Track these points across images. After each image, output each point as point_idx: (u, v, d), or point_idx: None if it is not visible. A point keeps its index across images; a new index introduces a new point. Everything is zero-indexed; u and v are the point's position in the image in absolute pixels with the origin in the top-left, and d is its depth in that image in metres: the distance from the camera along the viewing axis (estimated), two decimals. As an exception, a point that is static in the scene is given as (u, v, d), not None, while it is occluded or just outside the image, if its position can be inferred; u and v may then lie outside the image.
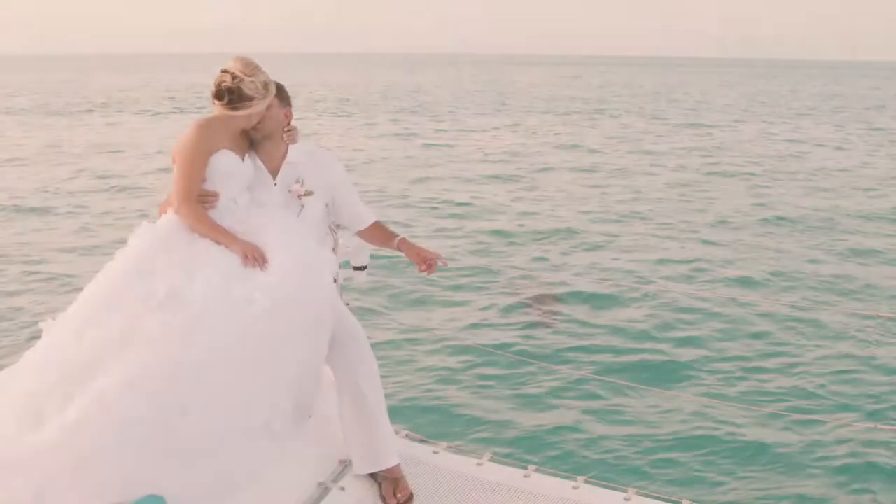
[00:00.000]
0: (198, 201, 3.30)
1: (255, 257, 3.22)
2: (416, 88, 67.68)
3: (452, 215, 15.82)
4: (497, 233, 14.14)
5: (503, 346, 8.66)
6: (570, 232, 14.32)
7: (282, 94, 3.57)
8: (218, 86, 3.36)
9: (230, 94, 3.34)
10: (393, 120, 37.02)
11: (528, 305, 9.26)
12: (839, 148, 28.59)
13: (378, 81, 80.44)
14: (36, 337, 3.08)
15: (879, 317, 9.56)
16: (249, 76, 3.34)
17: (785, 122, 38.50)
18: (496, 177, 20.78)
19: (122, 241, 3.30)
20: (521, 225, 14.84)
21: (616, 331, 9.18)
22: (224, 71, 3.36)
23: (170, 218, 3.31)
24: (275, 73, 3.54)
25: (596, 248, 13.27)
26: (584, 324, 9.39)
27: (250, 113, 3.40)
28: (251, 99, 3.36)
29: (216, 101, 3.39)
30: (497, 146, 27.41)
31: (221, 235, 3.26)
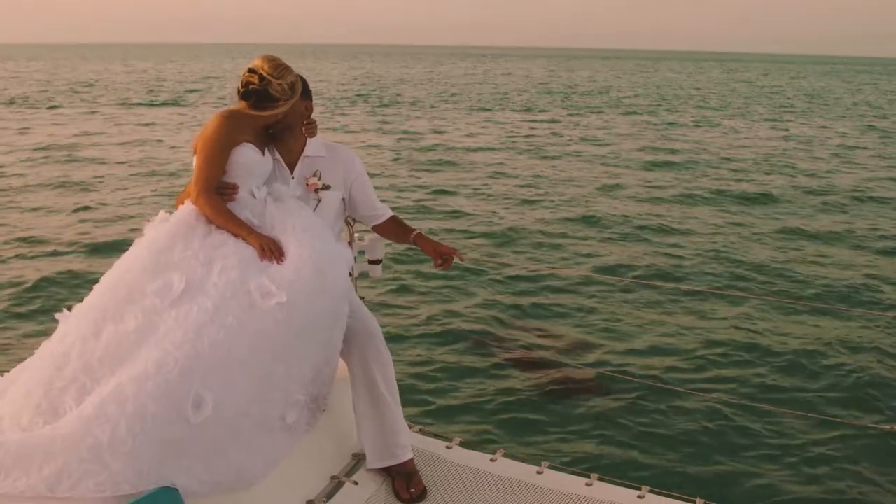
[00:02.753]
0: (217, 193, 3.31)
1: (272, 250, 3.22)
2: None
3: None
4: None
5: (518, 344, 8.66)
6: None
7: (304, 88, 3.56)
8: (245, 86, 3.35)
9: (257, 96, 3.35)
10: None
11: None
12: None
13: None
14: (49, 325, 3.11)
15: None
16: (277, 78, 3.34)
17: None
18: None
19: (139, 231, 3.32)
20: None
21: (627, 329, 9.16)
22: (251, 71, 3.35)
23: (187, 209, 3.31)
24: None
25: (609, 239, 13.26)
26: (595, 323, 9.37)
27: (276, 114, 3.40)
28: (277, 100, 3.36)
29: (242, 102, 3.39)
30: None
31: (239, 228, 3.26)
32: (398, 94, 49.19)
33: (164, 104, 40.12)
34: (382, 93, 50.87)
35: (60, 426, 2.69)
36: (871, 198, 18.00)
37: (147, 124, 30.75)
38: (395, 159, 22.32)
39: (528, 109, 40.42)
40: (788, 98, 54.71)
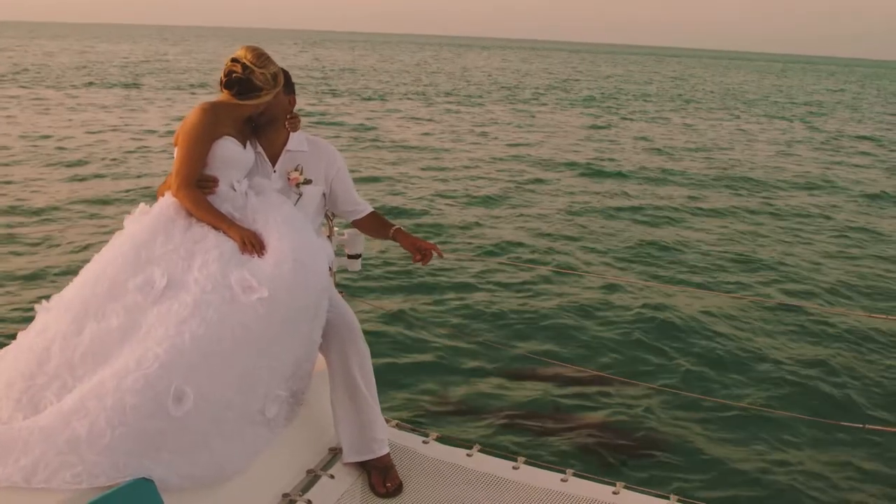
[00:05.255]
0: (197, 186, 3.30)
1: (252, 244, 3.22)
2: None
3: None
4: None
5: (496, 339, 8.67)
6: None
7: (287, 81, 3.58)
8: (228, 75, 3.36)
9: (240, 85, 3.35)
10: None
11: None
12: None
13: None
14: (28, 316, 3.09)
15: (871, 317, 9.60)
16: (260, 67, 3.35)
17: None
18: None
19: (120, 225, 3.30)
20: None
21: (608, 327, 9.20)
22: (234, 60, 3.36)
23: (168, 201, 3.30)
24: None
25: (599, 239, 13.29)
26: (574, 320, 9.40)
27: (258, 103, 3.41)
28: (260, 90, 3.37)
29: (225, 91, 3.39)
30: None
31: (220, 221, 3.26)
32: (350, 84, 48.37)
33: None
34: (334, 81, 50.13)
35: (39, 419, 2.70)
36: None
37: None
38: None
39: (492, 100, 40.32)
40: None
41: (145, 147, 20.79)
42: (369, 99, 38.47)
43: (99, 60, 61.22)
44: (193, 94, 37.08)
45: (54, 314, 2.99)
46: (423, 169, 19.50)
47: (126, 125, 25.08)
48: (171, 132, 19.15)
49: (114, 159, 18.76)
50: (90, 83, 40.05)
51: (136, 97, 34.24)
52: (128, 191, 15.25)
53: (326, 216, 4.07)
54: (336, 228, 4.26)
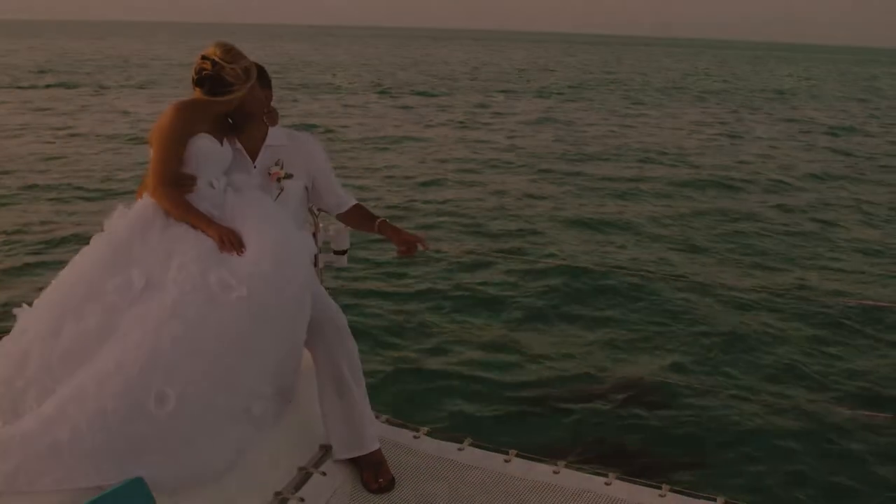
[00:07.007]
0: (175, 185, 3.26)
1: (231, 242, 3.18)
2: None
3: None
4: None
5: (484, 332, 8.67)
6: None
7: (263, 76, 3.54)
8: (198, 73, 3.32)
9: (211, 82, 3.31)
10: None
11: None
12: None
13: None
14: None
15: (878, 306, 9.57)
16: (230, 63, 3.31)
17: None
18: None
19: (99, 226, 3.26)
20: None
21: (594, 320, 9.18)
22: (204, 58, 3.32)
23: (145, 202, 3.26)
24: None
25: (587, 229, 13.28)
26: (561, 312, 9.39)
27: (231, 99, 3.37)
28: (232, 85, 3.33)
29: (197, 89, 3.35)
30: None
31: (198, 220, 3.22)
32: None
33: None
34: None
35: (20, 424, 2.69)
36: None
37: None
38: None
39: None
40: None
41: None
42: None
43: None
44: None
45: (32, 317, 2.97)
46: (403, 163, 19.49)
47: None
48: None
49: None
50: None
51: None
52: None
53: (311, 211, 4.03)
54: (322, 224, 4.23)
